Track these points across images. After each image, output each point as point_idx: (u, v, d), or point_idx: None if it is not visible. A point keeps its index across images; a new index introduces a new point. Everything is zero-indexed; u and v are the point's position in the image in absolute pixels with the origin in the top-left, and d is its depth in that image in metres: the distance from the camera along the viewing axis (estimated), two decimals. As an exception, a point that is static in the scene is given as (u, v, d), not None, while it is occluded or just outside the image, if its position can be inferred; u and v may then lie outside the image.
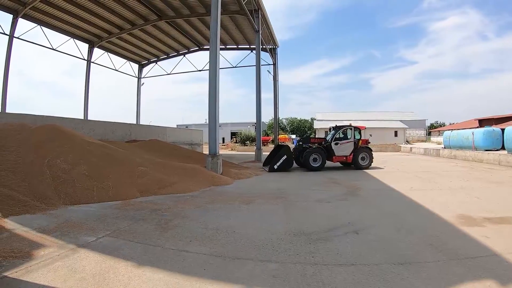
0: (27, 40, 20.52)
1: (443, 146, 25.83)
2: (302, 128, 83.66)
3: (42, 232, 4.80)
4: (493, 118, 36.72)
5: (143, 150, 14.58)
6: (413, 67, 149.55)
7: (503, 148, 18.95)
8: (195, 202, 7.40)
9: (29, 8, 18.71)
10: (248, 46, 28.04)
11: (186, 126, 57.71)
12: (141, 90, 32.61)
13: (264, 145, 29.91)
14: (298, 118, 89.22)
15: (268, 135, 53.21)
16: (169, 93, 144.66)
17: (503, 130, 19.20)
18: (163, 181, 9.07)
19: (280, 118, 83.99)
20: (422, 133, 57.16)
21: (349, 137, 15.75)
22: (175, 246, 4.37)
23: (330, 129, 17.67)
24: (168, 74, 31.68)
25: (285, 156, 14.58)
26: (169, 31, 25.23)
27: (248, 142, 44.28)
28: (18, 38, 19.76)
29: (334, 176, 12.65)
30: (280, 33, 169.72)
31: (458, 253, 4.07)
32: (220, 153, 12.86)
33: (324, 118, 54.14)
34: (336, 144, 15.49)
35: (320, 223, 5.55)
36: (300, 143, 16.33)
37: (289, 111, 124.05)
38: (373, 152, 15.93)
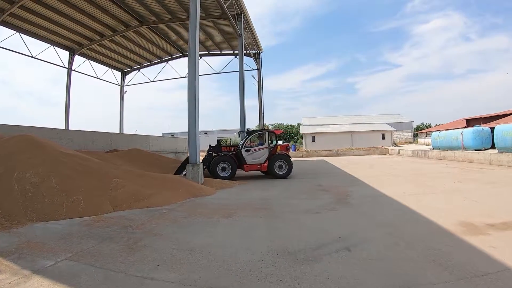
0: (5, 48, 19.74)
1: (431, 147, 25.74)
2: (289, 134, 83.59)
3: (-1, 255, 4.29)
4: (480, 118, 36.80)
5: (122, 160, 13.90)
6: (398, 70, 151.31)
7: (492, 147, 18.87)
8: (171, 217, 6.74)
9: (7, 15, 17.89)
10: (232, 52, 27.57)
11: (172, 134, 56.79)
12: (124, 98, 31.73)
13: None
14: (285, 124, 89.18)
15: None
16: (156, 101, 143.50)
17: (492, 129, 19.11)
18: (139, 194, 8.39)
19: (267, 124, 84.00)
20: (409, 135, 57.44)
21: (263, 143, 14.54)
22: (140, 272, 3.77)
23: (239, 134, 16.54)
24: (151, 81, 30.90)
25: None
26: (151, 38, 24.60)
27: (234, 149, 43.57)
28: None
29: (321, 182, 12.07)
30: (266, 39, 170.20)
31: (465, 270, 3.52)
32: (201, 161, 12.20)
33: (311, 123, 53.90)
34: (248, 151, 14.25)
35: (308, 238, 4.92)
36: (210, 152, 14.50)
37: (276, 117, 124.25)
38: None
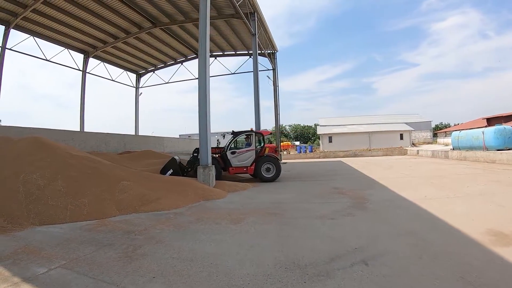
0: (20, 51, 20.03)
1: (451, 148, 24.87)
2: (306, 134, 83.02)
3: (-7, 260, 4.18)
4: (502, 116, 35.31)
5: (134, 162, 13.77)
6: (416, 69, 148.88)
7: (516, 147, 18.03)
8: (178, 222, 6.44)
9: (21, 19, 18.29)
10: (247, 52, 27.38)
11: (189, 135, 56.89)
12: (139, 100, 31.93)
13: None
14: (302, 125, 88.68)
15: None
16: (173, 103, 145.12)
17: (515, 128, 18.27)
18: (146, 197, 8.14)
19: (284, 125, 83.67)
20: (428, 135, 56.00)
21: (250, 144, 13.88)
22: (133, 285, 3.48)
23: (223, 136, 15.85)
24: (166, 83, 31.04)
25: (171, 170, 12.40)
26: (164, 39, 24.67)
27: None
28: (10, 49, 19.33)
29: (337, 185, 11.57)
30: (281, 40, 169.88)
31: (500, 290, 3.06)
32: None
33: (328, 124, 53.19)
34: (233, 153, 13.56)
35: (320, 249, 4.49)
36: (195, 154, 13.40)
37: (292, 118, 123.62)
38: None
